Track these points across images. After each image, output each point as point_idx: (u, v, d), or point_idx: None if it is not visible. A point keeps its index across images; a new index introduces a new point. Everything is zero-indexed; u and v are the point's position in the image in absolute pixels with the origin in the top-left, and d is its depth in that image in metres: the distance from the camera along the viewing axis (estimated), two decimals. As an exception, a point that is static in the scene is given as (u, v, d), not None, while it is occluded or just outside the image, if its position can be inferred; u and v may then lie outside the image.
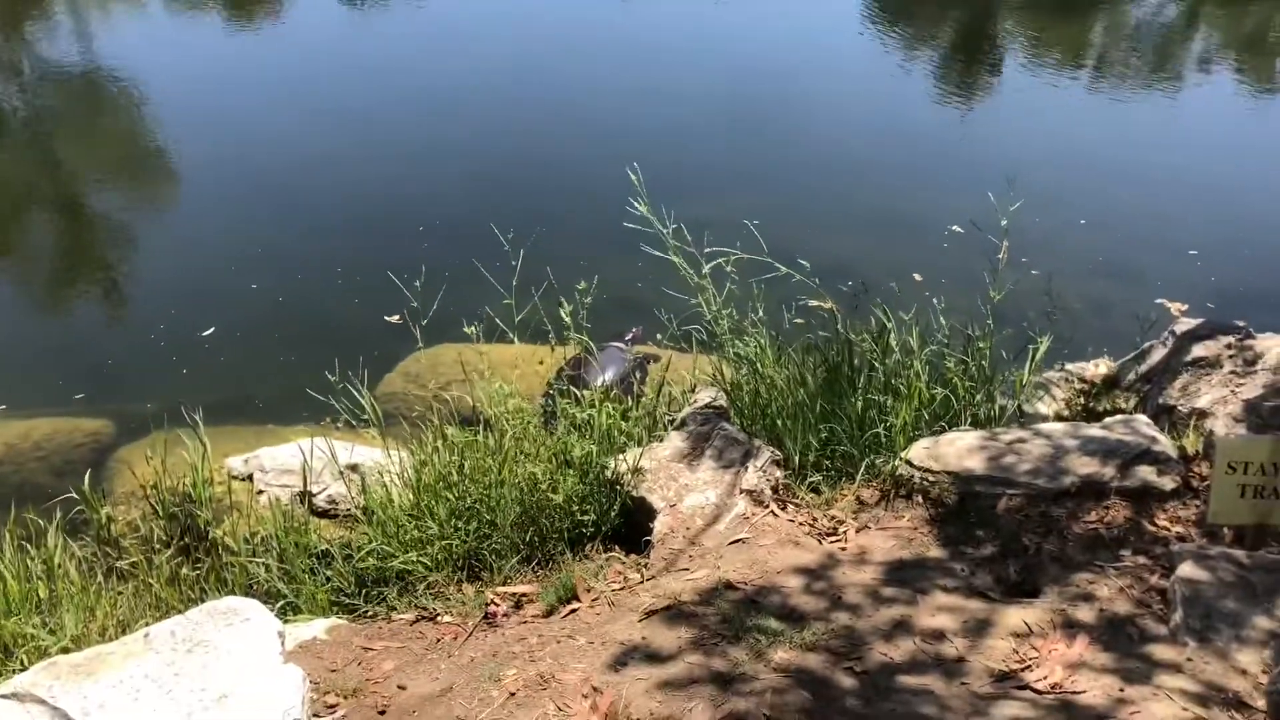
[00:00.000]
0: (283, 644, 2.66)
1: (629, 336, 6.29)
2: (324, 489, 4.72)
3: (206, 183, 9.02)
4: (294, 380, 5.02)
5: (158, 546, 4.32)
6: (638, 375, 5.69)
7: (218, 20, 13.47)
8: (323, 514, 4.76)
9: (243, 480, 5.07)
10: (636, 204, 4.31)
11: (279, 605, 3.83)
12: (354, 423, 4.25)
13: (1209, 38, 13.55)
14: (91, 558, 4.27)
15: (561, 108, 10.42)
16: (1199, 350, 4.67)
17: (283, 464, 4.98)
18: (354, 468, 4.53)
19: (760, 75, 11.33)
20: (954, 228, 7.39)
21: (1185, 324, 4.98)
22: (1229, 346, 4.61)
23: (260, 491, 4.95)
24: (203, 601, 3.87)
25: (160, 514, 4.46)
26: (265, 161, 9.27)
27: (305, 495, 4.58)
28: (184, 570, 4.16)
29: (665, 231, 4.36)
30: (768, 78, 11.26)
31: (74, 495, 4.37)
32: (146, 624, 3.54)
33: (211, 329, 6.63)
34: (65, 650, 3.37)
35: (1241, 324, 4.81)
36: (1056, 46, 12.53)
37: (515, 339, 4.26)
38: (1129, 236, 7.79)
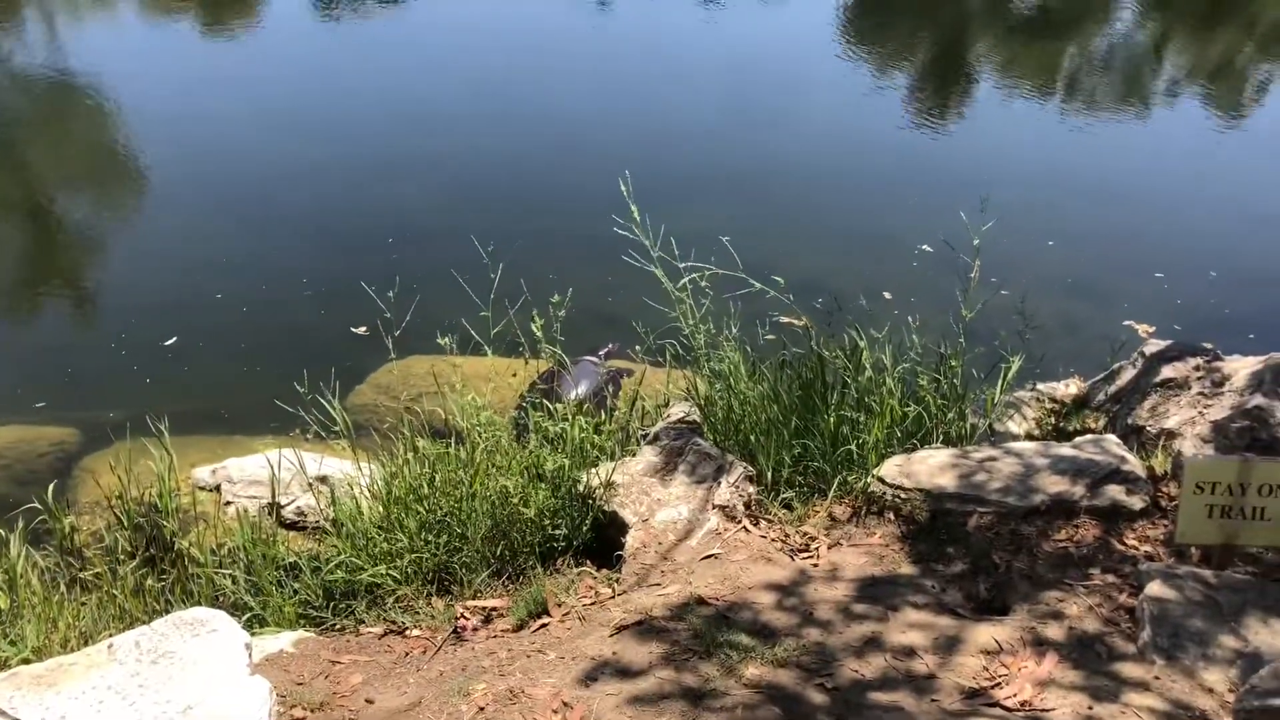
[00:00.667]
0: (250, 656, 2.63)
1: (604, 351, 6.29)
2: (292, 501, 4.68)
3: (173, 190, 8.92)
4: (261, 391, 4.99)
5: (122, 557, 4.27)
6: (610, 389, 5.69)
7: (191, 27, 13.39)
8: (291, 526, 4.72)
9: (210, 491, 5.02)
10: (623, 215, 4.31)
11: (246, 617, 3.79)
12: (324, 434, 4.22)
13: (1177, 62, 13.76)
14: (54, 568, 4.22)
15: (536, 120, 10.41)
16: (1168, 371, 4.71)
17: (251, 475, 4.94)
18: (323, 479, 4.50)
19: (734, 92, 11.39)
20: (924, 246, 7.46)
21: (1154, 345, 5.03)
22: (1197, 368, 4.67)
23: (228, 503, 4.90)
24: (168, 613, 3.83)
25: (125, 524, 4.41)
26: (234, 169, 9.17)
27: (274, 507, 4.54)
28: (149, 581, 4.11)
29: (648, 243, 4.35)
30: (742, 94, 11.32)
31: (37, 505, 4.31)
32: (110, 635, 3.50)
33: (174, 338, 6.56)
34: (26, 661, 3.32)
35: (1209, 346, 4.87)
36: (1027, 69, 12.69)
37: (489, 351, 4.24)
38: (1097, 257, 7.88)
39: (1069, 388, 5.22)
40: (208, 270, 7.39)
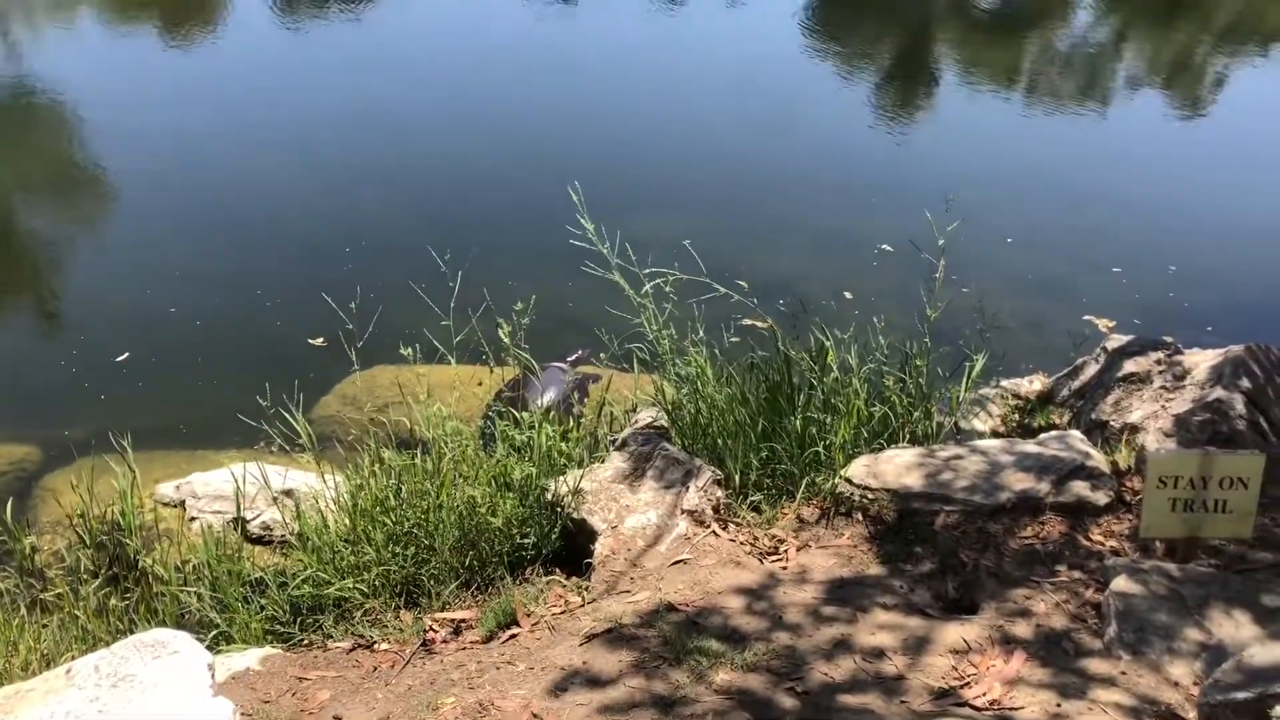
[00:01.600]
0: (213, 676, 2.59)
1: (572, 357, 6.26)
2: (258, 515, 4.63)
3: (122, 202, 8.76)
4: (223, 405, 4.93)
5: (85, 577, 4.21)
6: (577, 395, 5.66)
7: (148, 34, 13.22)
8: (257, 540, 4.67)
9: (174, 507, 4.96)
10: (581, 222, 4.30)
11: (211, 635, 3.74)
12: (288, 447, 4.17)
13: (1136, 60, 13.91)
14: (14, 590, 4.15)
15: (495, 127, 10.35)
16: (1130, 366, 4.75)
17: (215, 490, 4.88)
18: (289, 493, 4.45)
19: (696, 95, 11.39)
20: (884, 246, 7.48)
21: (1116, 340, 5.07)
22: (1159, 362, 4.71)
23: (192, 518, 4.84)
24: (132, 633, 3.78)
25: (87, 543, 4.35)
26: (187, 180, 8.99)
27: (239, 521, 4.49)
28: (113, 601, 4.06)
29: (605, 249, 4.34)
30: (704, 98, 11.32)
31: (-5, 525, 4.24)
32: (73, 657, 3.45)
33: (126, 354, 6.45)
34: (-15, 687, 3.26)
35: (1170, 340, 4.91)
36: (988, 68, 12.78)
37: (453, 360, 4.21)
38: (1056, 254, 7.93)
39: (1033, 384, 5.24)
40: (160, 283, 7.24)
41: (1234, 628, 3.09)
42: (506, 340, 4.14)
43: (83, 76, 11.38)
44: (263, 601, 3.85)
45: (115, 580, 4.19)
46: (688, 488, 3.94)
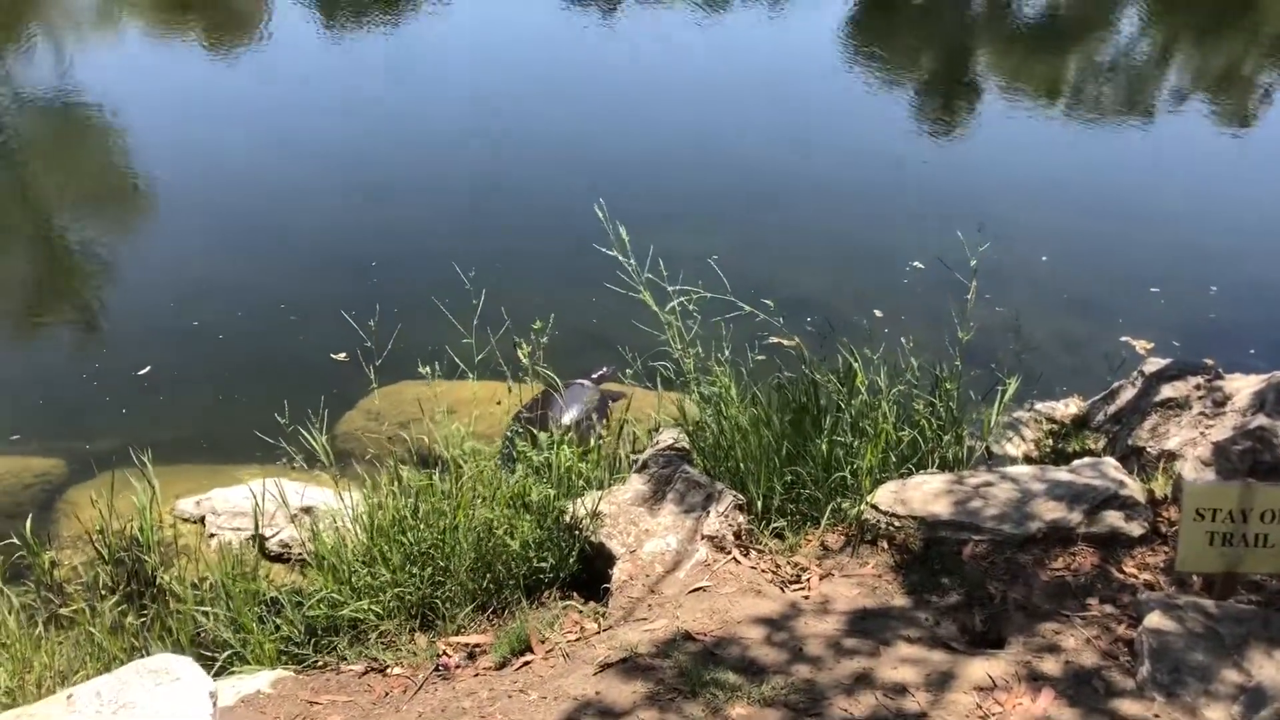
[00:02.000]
0: (214, 704, 2.55)
1: (597, 374, 6.21)
2: (276, 532, 4.60)
3: (149, 213, 8.81)
4: (245, 420, 4.90)
5: (103, 593, 4.19)
6: (595, 415, 5.60)
7: (188, 47, 13.35)
8: (276, 558, 4.64)
9: (194, 523, 4.95)
10: (609, 236, 4.23)
11: (225, 656, 3.71)
12: (306, 465, 4.14)
13: (1181, 72, 13.68)
14: (33, 604, 4.14)
15: (526, 138, 10.33)
16: (1168, 391, 4.63)
17: (235, 506, 4.86)
18: (308, 510, 4.42)
19: (731, 105, 11.32)
20: (915, 263, 7.37)
21: (1154, 363, 4.95)
22: (1198, 387, 4.58)
23: (212, 535, 4.82)
24: (147, 652, 3.76)
25: (106, 559, 4.34)
26: (214, 192, 9.00)
27: (257, 539, 4.46)
28: (129, 618, 4.03)
29: (632, 264, 4.27)
30: (738, 108, 11.25)
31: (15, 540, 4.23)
32: (86, 676, 3.43)
33: (148, 368, 6.46)
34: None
35: (1210, 363, 4.77)
36: (1029, 80, 12.61)
37: (473, 376, 4.17)
38: (1093, 272, 7.77)
39: (1068, 408, 5.13)
40: (184, 297, 7.25)
41: (1275, 669, 2.97)
42: (525, 360, 4.09)
43: (121, 88, 11.49)
44: (278, 621, 3.81)
45: (132, 597, 4.17)
46: (708, 512, 3.87)
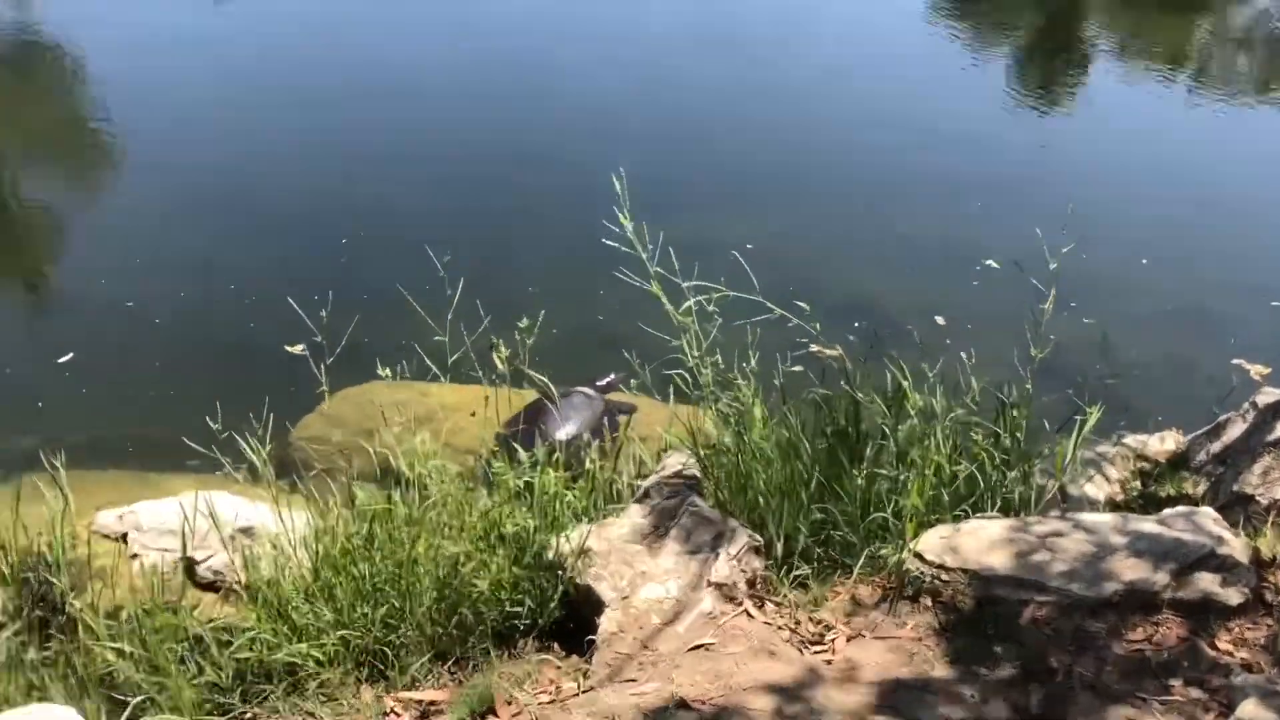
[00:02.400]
0: (102, 767, 2.50)
1: (603, 382, 6.15)
2: (209, 556, 4.58)
3: (89, 170, 8.79)
4: (180, 420, 4.85)
5: (2, 619, 4.17)
6: (599, 431, 5.54)
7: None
8: (209, 586, 4.63)
9: (115, 540, 4.93)
10: (620, 220, 4.16)
11: (135, 701, 3.67)
12: (244, 476, 4.11)
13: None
14: (-84, 634, 4.12)
15: (532, 102, 10.29)
16: (1285, 427, 4.55)
17: (164, 522, 4.84)
18: (247, 531, 4.40)
19: (782, 73, 11.25)
20: (989, 262, 7.26)
21: (1271, 394, 4.87)
22: (1322, 425, 4.50)
23: (135, 555, 4.80)
24: (45, 693, 3.74)
25: (7, 579, 4.32)
26: (162, 148, 8.95)
27: (186, 563, 4.44)
28: (29, 653, 4.00)
29: (645, 255, 4.20)
30: (792, 77, 11.18)
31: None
32: (-29, 719, 3.39)
33: (69, 355, 6.42)
34: None
35: (1338, 397, 4.68)
36: (1142, 51, 12.47)
37: (445, 379, 4.13)
38: (1202, 280, 7.65)
39: (1163, 443, 5.06)
40: (117, 271, 7.20)
41: (1393, 777, 2.87)
42: (501, 365, 4.03)
43: (77, 27, 11.53)
44: (202, 663, 3.78)
45: (35, 626, 4.14)
46: (718, 554, 3.82)
